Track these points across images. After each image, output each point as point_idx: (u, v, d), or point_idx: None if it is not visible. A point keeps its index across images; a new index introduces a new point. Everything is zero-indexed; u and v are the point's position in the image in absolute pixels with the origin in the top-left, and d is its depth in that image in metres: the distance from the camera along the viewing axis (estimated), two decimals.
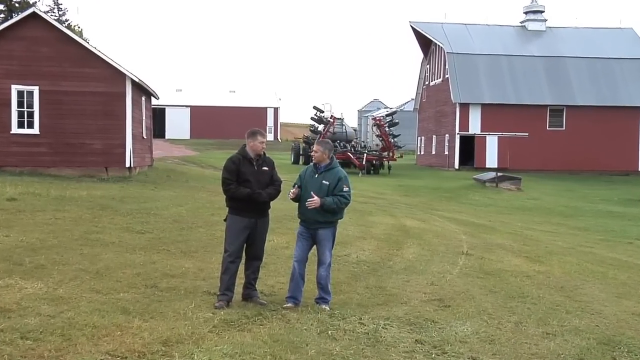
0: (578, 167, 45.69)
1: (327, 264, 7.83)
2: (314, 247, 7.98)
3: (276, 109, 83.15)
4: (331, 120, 45.34)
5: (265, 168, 7.82)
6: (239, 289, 7.87)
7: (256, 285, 7.95)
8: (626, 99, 46.70)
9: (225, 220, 7.89)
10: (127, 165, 22.75)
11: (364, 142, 54.79)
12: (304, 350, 6.11)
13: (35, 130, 22.10)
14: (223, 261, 7.77)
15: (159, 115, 70.88)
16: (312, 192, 7.66)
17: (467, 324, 7.41)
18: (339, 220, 8.00)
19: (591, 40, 49.64)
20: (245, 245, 7.80)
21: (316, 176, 7.81)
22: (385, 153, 44.26)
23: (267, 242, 8.16)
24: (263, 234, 7.88)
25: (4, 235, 10.97)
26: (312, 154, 8.01)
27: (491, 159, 45.89)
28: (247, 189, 7.59)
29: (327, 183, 7.74)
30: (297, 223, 8.01)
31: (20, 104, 22.02)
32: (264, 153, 7.93)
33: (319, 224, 7.77)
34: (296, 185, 7.87)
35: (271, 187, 7.77)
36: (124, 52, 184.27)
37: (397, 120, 47.13)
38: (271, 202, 7.92)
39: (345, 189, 7.75)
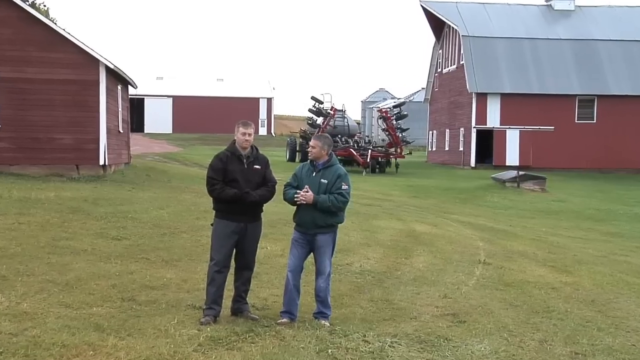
0: (611, 165, 45.70)
1: (327, 274, 7.84)
2: (310, 256, 7.99)
3: (270, 100, 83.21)
4: (331, 112, 45.36)
5: (257, 167, 7.79)
6: (227, 302, 7.86)
7: (247, 299, 7.95)
8: None
9: (212, 225, 7.88)
10: (101, 162, 22.74)
11: (368, 137, 54.81)
12: None
13: None
14: (209, 271, 7.77)
15: (137, 107, 70.94)
16: (306, 187, 7.67)
17: (485, 342, 7.41)
18: (339, 225, 8.01)
19: (627, 21, 49.59)
20: (234, 253, 7.79)
21: (314, 175, 7.84)
22: (392, 149, 44.28)
23: (259, 249, 8.16)
24: (254, 241, 7.87)
25: None
26: (308, 150, 8.02)
27: (512, 156, 45.91)
28: (234, 189, 7.58)
29: (326, 182, 7.77)
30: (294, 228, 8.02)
31: None
32: (257, 149, 7.91)
33: (318, 228, 7.76)
34: (291, 186, 7.88)
35: (263, 188, 7.75)
36: (96, 35, 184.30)
37: (405, 113, 47.13)
38: (264, 205, 7.92)
39: (344, 186, 7.77)
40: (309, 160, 8.02)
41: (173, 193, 20.44)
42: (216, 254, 7.70)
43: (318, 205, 7.66)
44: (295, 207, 7.88)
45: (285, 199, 7.90)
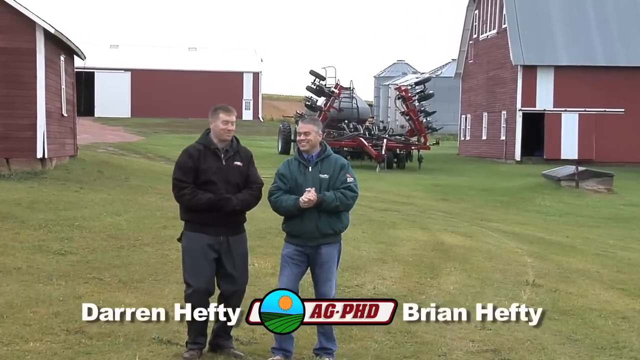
0: None
1: (331, 298, 7.83)
2: (303, 276, 7.98)
3: (257, 75, 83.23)
4: (336, 90, 45.38)
5: (238, 163, 7.76)
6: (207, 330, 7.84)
7: (231, 332, 7.91)
8: None
9: (179, 239, 7.81)
10: (39, 155, 22.76)
11: (383, 122, 54.81)
12: None
13: None
14: (186, 300, 7.62)
15: (86, 83, 70.90)
16: (306, 189, 7.63)
17: None
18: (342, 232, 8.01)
19: None
20: (215, 275, 7.70)
21: (310, 170, 7.82)
22: (414, 138, 44.32)
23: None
24: (241, 258, 7.79)
25: None
26: (300, 138, 7.92)
27: (569, 147, 45.90)
28: (209, 194, 7.53)
29: (327, 176, 7.77)
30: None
31: None
32: (237, 141, 7.83)
33: (323, 237, 7.74)
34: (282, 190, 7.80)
35: (246, 192, 7.70)
36: None
37: (431, 92, 47.14)
38: (248, 212, 7.87)
39: (350, 179, 7.80)
40: (295, 154, 7.97)
41: (132, 194, 20.46)
42: (192, 278, 7.60)
43: (323, 205, 7.64)
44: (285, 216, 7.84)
45: (279, 210, 7.78)
